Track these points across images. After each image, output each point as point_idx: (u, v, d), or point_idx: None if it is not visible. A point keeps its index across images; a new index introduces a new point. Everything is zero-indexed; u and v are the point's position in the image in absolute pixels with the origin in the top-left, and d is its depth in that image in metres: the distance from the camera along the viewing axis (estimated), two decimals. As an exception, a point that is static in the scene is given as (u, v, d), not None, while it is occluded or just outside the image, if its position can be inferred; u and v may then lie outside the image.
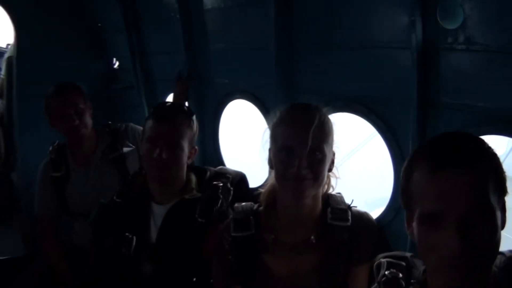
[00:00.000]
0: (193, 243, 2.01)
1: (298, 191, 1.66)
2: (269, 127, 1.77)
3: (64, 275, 2.69)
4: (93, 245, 2.23)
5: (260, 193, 1.87)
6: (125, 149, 2.78)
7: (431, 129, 1.74)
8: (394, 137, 1.93)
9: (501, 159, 1.17)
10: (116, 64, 4.16)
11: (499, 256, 1.19)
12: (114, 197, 2.16)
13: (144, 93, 3.60)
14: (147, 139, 2.03)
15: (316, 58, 2.25)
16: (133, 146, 2.79)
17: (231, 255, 1.79)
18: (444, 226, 1.08)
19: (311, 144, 1.63)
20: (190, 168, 2.18)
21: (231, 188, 2.12)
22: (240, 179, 2.24)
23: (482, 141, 1.17)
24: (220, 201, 2.05)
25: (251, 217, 1.81)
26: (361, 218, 1.78)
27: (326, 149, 1.67)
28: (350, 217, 1.76)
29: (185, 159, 2.08)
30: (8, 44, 6.63)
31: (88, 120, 2.71)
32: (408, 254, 1.46)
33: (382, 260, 1.47)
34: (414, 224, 1.17)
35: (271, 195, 1.81)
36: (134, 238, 2.04)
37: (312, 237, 1.74)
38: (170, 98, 3.28)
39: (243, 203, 1.88)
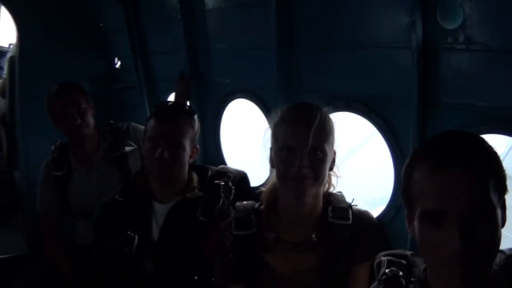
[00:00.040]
0: (194, 242, 2.02)
1: (299, 190, 1.68)
2: (270, 127, 1.78)
3: (66, 274, 2.70)
4: (95, 244, 2.24)
5: (261, 192, 1.88)
6: (127, 149, 2.78)
7: (431, 129, 1.74)
8: (394, 136, 1.94)
9: (501, 158, 1.18)
10: (118, 64, 4.17)
11: (499, 255, 1.19)
12: (116, 196, 2.17)
13: (146, 93, 3.61)
14: (149, 139, 2.04)
15: (317, 58, 2.25)
16: (135, 146, 2.80)
17: (233, 253, 1.80)
18: (445, 225, 1.08)
19: (312, 143, 1.64)
20: (192, 167, 2.18)
21: (233, 187, 2.12)
22: (241, 178, 2.24)
23: (482, 140, 1.17)
24: (221, 200, 2.06)
25: (253, 215, 1.82)
26: (362, 216, 1.79)
27: (327, 148, 1.68)
28: (351, 216, 1.77)
29: (187, 158, 2.09)
30: (10, 44, 6.66)
31: (90, 120, 2.71)
32: (408, 253, 1.46)
33: (383, 258, 1.47)
34: (415, 223, 1.17)
35: (272, 194, 1.82)
36: (136, 237, 2.04)
37: (313, 236, 1.75)
38: (171, 97, 3.28)
39: (245, 202, 1.88)
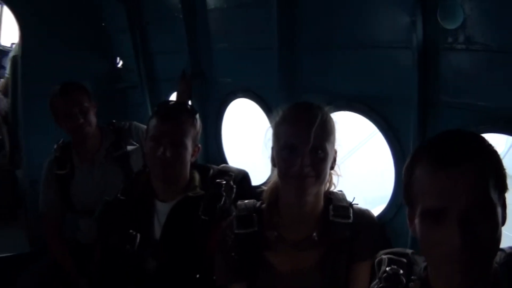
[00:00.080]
0: (196, 240, 2.02)
1: (300, 189, 1.68)
2: (272, 126, 1.79)
3: (69, 273, 2.71)
4: (97, 242, 2.26)
5: (262, 190, 1.88)
6: (129, 147, 2.79)
7: (432, 128, 1.75)
8: (395, 135, 1.94)
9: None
10: (120, 64, 4.19)
11: (499, 253, 1.20)
12: (119, 195, 2.17)
13: (148, 92, 3.62)
14: (151, 138, 2.04)
15: (318, 57, 2.26)
16: (137, 144, 2.80)
17: (234, 252, 1.80)
18: (446, 223, 1.09)
19: (313, 142, 1.64)
20: (194, 166, 2.19)
21: (234, 186, 2.13)
22: (242, 177, 2.25)
23: (483, 139, 1.18)
24: (223, 198, 2.06)
25: (254, 214, 1.82)
26: (363, 215, 1.80)
27: (328, 147, 1.69)
28: (351, 215, 1.77)
29: (189, 157, 2.09)
30: (12, 43, 6.68)
31: (93, 119, 2.72)
32: (409, 251, 1.47)
33: (383, 256, 1.48)
34: (416, 221, 1.18)
35: (274, 192, 1.83)
36: (138, 235, 2.05)
37: (314, 234, 1.75)
38: (173, 97, 3.29)
39: (246, 201, 1.89)
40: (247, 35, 2.68)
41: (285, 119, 1.73)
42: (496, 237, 1.10)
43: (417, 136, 1.78)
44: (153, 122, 2.07)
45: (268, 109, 2.56)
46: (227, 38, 2.86)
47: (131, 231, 2.06)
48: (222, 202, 2.06)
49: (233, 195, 2.10)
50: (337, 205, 1.79)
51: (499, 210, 1.11)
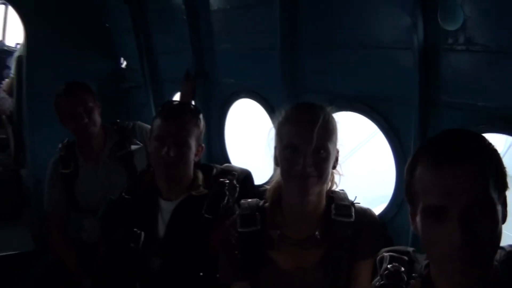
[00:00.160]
0: (200, 239, 2.03)
1: (303, 189, 1.69)
2: (275, 126, 1.80)
3: (73, 271, 2.72)
4: (101, 240, 2.27)
5: (265, 189, 1.89)
6: (133, 147, 2.80)
7: (432, 127, 1.75)
8: (396, 135, 1.95)
9: (500, 157, 1.20)
10: (124, 64, 4.20)
11: (499, 251, 1.21)
12: (123, 194, 2.19)
13: (151, 92, 3.63)
14: (155, 137, 2.06)
15: (320, 58, 2.26)
16: (141, 144, 2.81)
17: (238, 250, 1.82)
18: (446, 221, 1.10)
19: (316, 142, 1.66)
20: (197, 165, 2.20)
21: (237, 185, 2.14)
22: (245, 176, 2.26)
23: (483, 138, 1.19)
24: (226, 197, 2.07)
25: (257, 213, 1.83)
26: (364, 214, 1.81)
27: (330, 147, 1.70)
28: (353, 213, 1.78)
29: (192, 157, 2.10)
30: (17, 44, 6.71)
31: (97, 118, 2.74)
32: (410, 249, 1.48)
33: (385, 254, 1.49)
34: (418, 219, 1.19)
35: (277, 192, 1.84)
36: (143, 233, 2.06)
37: (317, 233, 1.77)
38: (177, 97, 3.31)
39: (249, 200, 1.90)
40: (250, 36, 2.68)
41: (287, 119, 1.74)
42: (497, 234, 1.11)
43: (417, 136, 1.79)
44: (157, 122, 2.08)
45: (270, 109, 2.56)
46: (230, 38, 2.87)
47: (135, 229, 2.07)
48: (225, 201, 2.07)
49: (236, 194, 2.12)
50: (339, 204, 1.80)
51: (499, 208, 1.12)
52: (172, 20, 3.21)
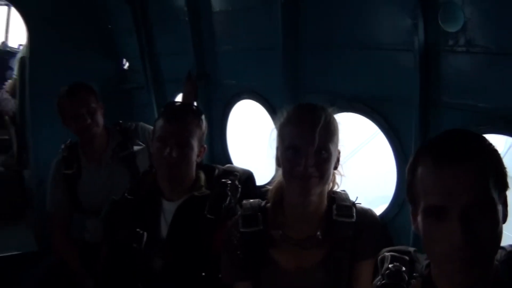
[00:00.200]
0: (202, 239, 2.04)
1: (304, 189, 1.70)
2: (276, 127, 1.81)
3: (76, 272, 2.72)
4: (104, 241, 2.28)
5: (267, 190, 1.90)
6: (135, 148, 2.81)
7: (433, 128, 1.76)
8: (397, 136, 1.95)
9: (500, 157, 1.21)
10: (126, 65, 4.21)
11: (499, 251, 1.21)
12: (126, 194, 2.19)
13: (153, 93, 3.64)
14: (158, 138, 2.07)
15: (321, 59, 2.27)
16: (143, 145, 2.83)
17: (240, 250, 1.83)
18: (447, 220, 1.11)
19: (317, 143, 1.67)
20: (199, 166, 2.21)
21: (239, 186, 2.15)
22: (247, 177, 2.27)
23: (483, 138, 1.20)
24: (228, 198, 2.08)
25: (259, 213, 1.84)
26: (365, 214, 1.82)
27: (332, 148, 1.71)
28: (354, 214, 1.79)
29: (195, 158, 2.11)
30: (20, 45, 6.74)
31: (100, 119, 2.75)
32: (411, 249, 1.48)
33: (386, 254, 1.49)
34: (419, 218, 1.19)
35: (279, 192, 1.85)
36: (145, 234, 2.07)
37: (318, 233, 1.77)
38: (179, 98, 3.32)
39: (251, 200, 1.91)
40: (251, 37, 2.69)
41: (289, 120, 1.75)
42: (497, 234, 1.12)
43: (418, 137, 1.80)
44: (160, 123, 2.09)
45: (272, 110, 2.57)
46: (232, 40, 2.88)
47: (138, 229, 2.08)
48: (227, 202, 2.07)
49: (238, 195, 2.12)
50: (341, 204, 1.81)
51: (499, 208, 1.13)
52: (174, 21, 3.22)
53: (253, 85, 2.76)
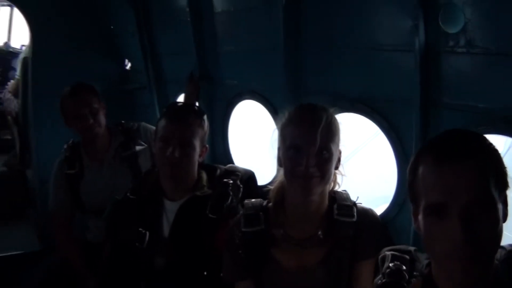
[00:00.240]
0: (204, 238, 2.05)
1: (306, 189, 1.71)
2: (278, 127, 1.82)
3: (79, 271, 2.73)
4: (106, 240, 2.29)
5: (268, 190, 1.91)
6: (138, 148, 2.82)
7: (433, 128, 1.77)
8: (397, 136, 1.96)
9: (500, 157, 1.22)
10: (128, 65, 4.21)
11: (499, 250, 1.22)
12: (128, 194, 2.20)
13: (155, 94, 3.65)
14: (160, 138, 2.08)
15: (323, 60, 2.28)
16: (145, 145, 2.83)
17: (242, 249, 1.84)
18: (448, 218, 1.11)
19: (319, 143, 1.68)
20: (201, 166, 2.22)
21: (241, 185, 2.15)
22: (249, 176, 2.28)
23: (484, 138, 1.21)
24: (230, 197, 2.09)
25: (261, 213, 1.85)
26: (366, 214, 1.83)
27: (333, 148, 1.72)
28: (355, 213, 1.80)
29: (197, 157, 2.13)
30: (22, 45, 6.75)
31: (102, 119, 2.76)
32: (411, 248, 1.49)
33: (387, 253, 1.50)
34: (420, 217, 1.20)
35: (280, 192, 1.86)
36: (147, 233, 2.08)
37: (319, 233, 1.78)
38: (181, 98, 3.32)
39: (253, 200, 1.91)
40: (253, 38, 2.70)
41: (291, 121, 1.76)
42: (497, 232, 1.12)
43: (418, 137, 1.80)
44: (162, 123, 2.10)
45: (274, 111, 2.58)
46: (234, 40, 2.88)
47: (140, 229, 2.09)
48: (229, 201, 2.08)
49: (240, 194, 2.13)
50: (341, 204, 1.82)
51: (500, 207, 1.13)
52: (176, 22, 3.22)
53: (254, 85, 2.76)
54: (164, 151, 2.05)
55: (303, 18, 2.31)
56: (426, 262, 1.38)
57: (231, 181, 2.14)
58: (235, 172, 2.22)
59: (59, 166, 2.83)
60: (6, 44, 7.87)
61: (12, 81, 5.81)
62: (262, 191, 2.01)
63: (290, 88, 2.43)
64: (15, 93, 5.29)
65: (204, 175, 2.21)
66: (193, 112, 2.15)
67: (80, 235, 2.89)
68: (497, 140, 1.34)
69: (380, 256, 1.53)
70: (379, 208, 2.08)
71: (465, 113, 1.69)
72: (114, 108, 3.00)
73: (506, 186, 1.18)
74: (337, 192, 1.87)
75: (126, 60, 4.22)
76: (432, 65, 1.75)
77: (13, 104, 5.30)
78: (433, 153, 1.18)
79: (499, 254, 1.23)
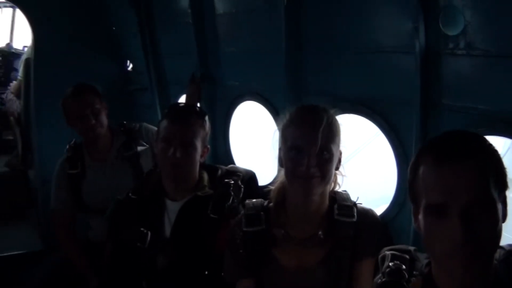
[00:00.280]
0: (205, 238, 2.06)
1: (306, 189, 1.72)
2: (279, 128, 1.83)
3: (81, 270, 2.74)
4: (108, 239, 2.29)
5: (269, 190, 1.92)
6: (139, 148, 2.83)
7: (433, 130, 1.78)
8: (397, 137, 1.97)
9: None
10: (130, 66, 4.22)
11: (498, 250, 1.23)
12: (130, 194, 2.21)
13: (157, 95, 3.65)
14: (162, 139, 2.09)
15: (324, 61, 2.29)
16: (147, 145, 2.84)
17: (243, 249, 1.84)
18: (448, 218, 1.12)
19: (320, 144, 1.69)
20: (203, 166, 2.22)
21: (242, 186, 2.16)
22: (250, 177, 2.28)
23: (483, 139, 1.22)
24: (231, 198, 2.09)
25: (262, 213, 1.86)
26: (366, 214, 1.83)
27: (334, 148, 1.73)
28: (355, 214, 1.81)
29: (198, 158, 2.13)
30: (24, 46, 6.77)
31: (104, 120, 2.77)
32: (411, 248, 1.49)
33: (387, 252, 1.50)
34: (420, 217, 1.21)
35: (281, 192, 1.87)
36: (149, 233, 2.09)
37: (320, 233, 1.79)
38: (182, 99, 3.33)
39: (254, 200, 1.92)
40: (255, 39, 2.70)
41: (292, 121, 1.77)
42: (497, 232, 1.13)
43: (418, 138, 1.81)
44: (164, 123, 2.11)
45: (275, 112, 2.58)
46: (235, 42, 2.89)
47: (142, 229, 2.10)
48: (230, 201, 2.09)
49: (241, 195, 2.14)
50: (342, 204, 1.83)
51: (499, 206, 1.14)
52: (178, 23, 3.23)
53: (256, 86, 2.77)
54: (166, 151, 2.06)
55: (304, 19, 2.32)
56: (426, 261, 1.38)
57: (232, 182, 2.15)
58: (236, 173, 2.22)
59: (61, 166, 2.84)
60: (9, 45, 7.89)
61: (14, 82, 5.82)
62: (263, 192, 2.02)
63: (291, 89, 2.43)
64: (17, 94, 5.31)
65: (206, 176, 2.21)
66: (194, 113, 2.16)
67: (82, 234, 2.90)
68: (496, 142, 1.35)
69: (380, 256, 1.53)
70: (379, 208, 2.09)
71: (465, 115, 1.70)
72: (116, 109, 3.01)
73: (505, 186, 1.19)
74: (337, 192, 1.88)
75: (128, 61, 4.23)
76: (432, 67, 1.76)
77: (15, 105, 5.32)
78: (433, 153, 1.19)
79: (498, 254, 1.23)
